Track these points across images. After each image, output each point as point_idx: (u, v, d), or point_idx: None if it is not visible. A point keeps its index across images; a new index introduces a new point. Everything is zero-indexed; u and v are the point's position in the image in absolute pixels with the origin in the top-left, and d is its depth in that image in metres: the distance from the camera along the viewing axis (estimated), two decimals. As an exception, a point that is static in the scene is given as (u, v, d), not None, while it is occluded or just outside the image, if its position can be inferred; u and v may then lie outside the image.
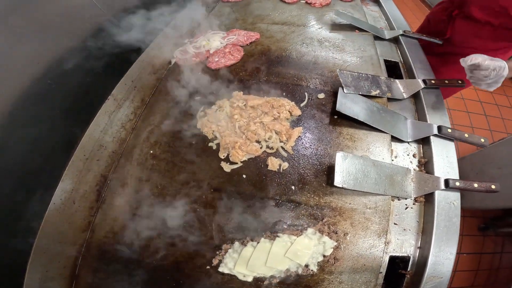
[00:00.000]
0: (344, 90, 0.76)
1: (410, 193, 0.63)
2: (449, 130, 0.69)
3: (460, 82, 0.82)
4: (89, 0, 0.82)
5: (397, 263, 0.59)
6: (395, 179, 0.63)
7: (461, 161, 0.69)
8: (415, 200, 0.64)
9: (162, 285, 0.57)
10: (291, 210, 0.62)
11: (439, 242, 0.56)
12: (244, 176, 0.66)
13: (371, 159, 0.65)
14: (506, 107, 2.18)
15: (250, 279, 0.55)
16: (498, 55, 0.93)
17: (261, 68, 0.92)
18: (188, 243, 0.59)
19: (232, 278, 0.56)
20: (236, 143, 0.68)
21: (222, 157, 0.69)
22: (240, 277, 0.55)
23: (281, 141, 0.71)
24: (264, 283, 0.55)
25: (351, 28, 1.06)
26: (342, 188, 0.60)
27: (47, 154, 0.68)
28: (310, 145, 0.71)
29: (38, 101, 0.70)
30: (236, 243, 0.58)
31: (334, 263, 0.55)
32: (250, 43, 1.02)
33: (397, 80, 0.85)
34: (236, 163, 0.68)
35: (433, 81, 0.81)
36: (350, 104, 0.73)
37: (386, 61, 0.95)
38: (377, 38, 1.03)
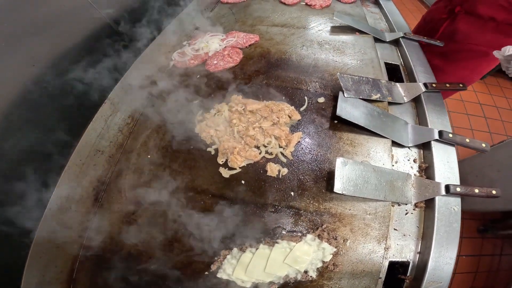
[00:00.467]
0: (345, 94, 0.75)
1: (411, 199, 0.63)
2: (450, 135, 0.69)
3: (461, 85, 0.82)
4: (86, 1, 0.81)
5: (396, 268, 0.58)
6: (396, 184, 0.63)
7: (460, 163, 0.69)
8: (415, 205, 0.64)
9: (160, 290, 0.56)
10: (290, 216, 0.61)
11: (439, 247, 0.56)
12: (243, 181, 0.66)
13: (371, 165, 0.64)
14: (505, 109, 2.18)
15: (248, 285, 0.55)
16: None
17: (261, 71, 0.91)
18: (186, 248, 0.58)
19: (230, 284, 0.55)
20: (234, 149, 0.67)
21: (221, 163, 0.69)
22: (239, 283, 0.55)
23: (280, 147, 0.70)
24: (263, 289, 0.54)
25: (351, 30, 1.05)
26: (342, 194, 0.59)
27: (43, 159, 0.67)
28: (310, 150, 0.70)
29: (33, 105, 0.69)
30: (235, 249, 0.57)
31: (334, 269, 0.55)
32: (250, 45, 1.00)
33: (398, 84, 0.84)
34: (235, 169, 0.67)
35: (434, 85, 0.81)
36: (350, 108, 0.72)
37: (386, 64, 0.94)
38: (377, 40, 1.02)
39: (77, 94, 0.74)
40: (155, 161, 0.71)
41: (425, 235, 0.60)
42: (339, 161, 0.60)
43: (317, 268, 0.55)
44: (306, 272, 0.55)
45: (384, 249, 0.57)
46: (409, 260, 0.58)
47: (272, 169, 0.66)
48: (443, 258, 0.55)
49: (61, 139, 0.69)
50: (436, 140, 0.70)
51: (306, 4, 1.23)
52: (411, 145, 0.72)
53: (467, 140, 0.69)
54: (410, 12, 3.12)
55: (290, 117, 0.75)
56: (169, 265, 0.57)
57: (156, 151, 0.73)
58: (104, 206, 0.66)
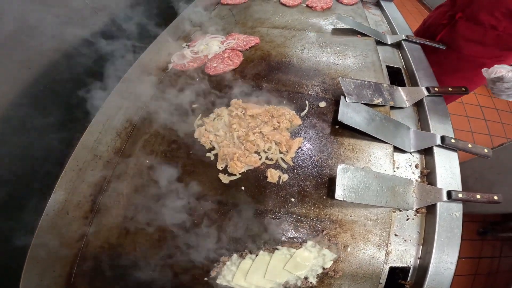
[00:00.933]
0: (346, 99, 0.75)
1: (412, 205, 0.62)
2: (453, 141, 0.68)
3: (464, 89, 0.81)
4: (82, 3, 0.80)
5: (397, 274, 0.58)
6: (397, 191, 0.62)
7: (461, 166, 0.68)
8: (417, 211, 0.64)
9: (159, 296, 0.55)
10: (291, 222, 0.60)
11: (440, 252, 0.56)
12: (242, 188, 0.65)
13: (373, 171, 0.64)
14: (505, 112, 2.18)
15: (248, 292, 0.54)
16: (501, 61, 0.92)
17: (261, 74, 0.90)
18: (185, 254, 0.57)
19: (230, 290, 0.55)
20: (234, 154, 0.66)
21: (220, 168, 0.68)
22: (239, 289, 0.54)
23: (281, 152, 0.69)
24: (263, 296, 0.54)
25: (352, 32, 1.04)
26: (343, 201, 0.58)
27: (40, 163, 0.66)
28: (311, 156, 0.70)
29: (30, 108, 0.68)
30: (235, 256, 0.57)
31: (334, 275, 0.55)
32: (250, 47, 0.99)
33: (400, 88, 0.83)
34: (235, 175, 0.66)
35: (436, 89, 0.80)
36: (352, 113, 0.72)
37: (388, 67, 0.94)
38: (379, 43, 1.02)
39: (74, 98, 0.73)
40: (153, 166, 0.71)
41: (426, 241, 0.60)
42: (340, 168, 0.60)
43: (318, 275, 0.55)
44: (306, 278, 0.55)
45: (385, 254, 0.56)
46: (409, 266, 0.58)
47: (273, 175, 0.65)
48: (444, 263, 0.55)
49: (58, 144, 0.68)
50: (438, 146, 0.69)
51: (307, 6, 1.22)
52: (413, 150, 0.71)
53: (470, 145, 0.68)
54: (410, 14, 3.10)
55: (290, 122, 0.74)
56: (168, 270, 0.57)
57: (154, 156, 0.73)
58: (102, 212, 0.65)
